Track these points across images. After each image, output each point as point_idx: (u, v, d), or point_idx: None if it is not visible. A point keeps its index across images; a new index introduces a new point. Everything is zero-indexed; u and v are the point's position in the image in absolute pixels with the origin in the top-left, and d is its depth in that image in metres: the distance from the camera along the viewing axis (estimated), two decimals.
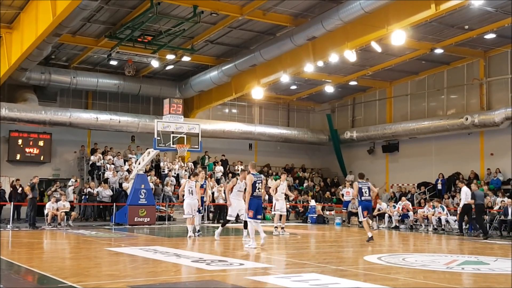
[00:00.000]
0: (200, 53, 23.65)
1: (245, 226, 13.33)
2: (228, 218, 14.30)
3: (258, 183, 12.03)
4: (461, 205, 17.68)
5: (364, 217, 13.97)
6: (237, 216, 14.31)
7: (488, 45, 23.00)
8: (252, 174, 12.12)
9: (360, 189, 13.97)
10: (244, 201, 12.54)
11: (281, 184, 16.78)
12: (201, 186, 15.55)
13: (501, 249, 13.27)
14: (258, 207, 12.00)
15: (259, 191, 12.05)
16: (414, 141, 27.79)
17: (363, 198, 13.99)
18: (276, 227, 16.59)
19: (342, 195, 24.63)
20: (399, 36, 18.23)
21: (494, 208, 20.14)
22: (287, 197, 18.20)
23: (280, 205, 16.56)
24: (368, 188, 14.11)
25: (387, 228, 21.00)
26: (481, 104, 24.77)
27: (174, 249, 11.97)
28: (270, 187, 18.56)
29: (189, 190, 14.93)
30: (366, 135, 29.42)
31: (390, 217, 21.54)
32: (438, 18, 18.79)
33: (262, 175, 12.56)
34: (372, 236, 13.72)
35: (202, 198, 15.82)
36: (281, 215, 16.66)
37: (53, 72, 24.25)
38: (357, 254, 11.15)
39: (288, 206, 19.17)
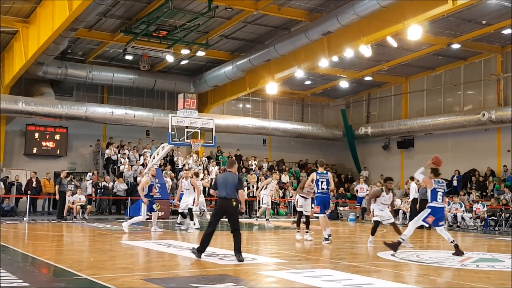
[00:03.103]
0: (215, 48, 23.66)
1: (191, 217, 15.56)
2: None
3: (152, 185, 15.13)
4: (410, 199, 19.41)
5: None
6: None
7: (505, 41, 22.68)
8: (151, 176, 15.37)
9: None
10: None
11: (272, 182, 18.78)
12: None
13: None
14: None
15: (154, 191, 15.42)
16: (429, 137, 27.54)
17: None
18: (267, 219, 18.67)
19: (357, 191, 24.55)
20: (415, 31, 18.05)
21: None
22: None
23: (266, 200, 18.49)
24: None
25: (401, 225, 20.86)
26: (498, 100, 24.47)
27: (188, 243, 12.02)
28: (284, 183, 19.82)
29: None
30: (381, 131, 29.22)
31: (404, 213, 21.39)
32: (455, 13, 18.58)
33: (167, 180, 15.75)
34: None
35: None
36: (266, 208, 18.80)
37: (69, 67, 24.45)
38: (370, 250, 11.10)
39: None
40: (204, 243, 9.15)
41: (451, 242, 10.40)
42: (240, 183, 9.36)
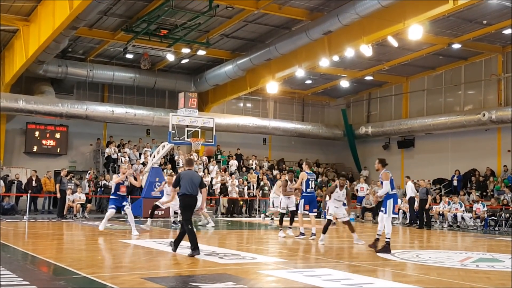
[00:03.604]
0: (215, 47, 23.65)
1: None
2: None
3: (122, 183, 14.18)
4: (407, 198, 19.88)
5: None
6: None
7: (506, 41, 22.67)
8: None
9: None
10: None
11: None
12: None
13: None
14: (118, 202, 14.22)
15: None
16: (430, 137, 27.55)
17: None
18: (272, 219, 19.04)
19: (357, 190, 24.52)
20: (416, 31, 18.05)
21: None
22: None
23: (277, 202, 18.82)
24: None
25: (401, 225, 20.86)
26: (498, 100, 24.47)
27: (188, 242, 12.01)
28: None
29: None
30: (382, 131, 29.22)
31: (404, 213, 21.39)
32: (456, 12, 18.57)
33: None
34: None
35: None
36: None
37: (70, 65, 24.46)
38: (370, 250, 11.10)
39: None
40: (193, 240, 9.38)
41: (378, 233, 10.89)
42: (203, 181, 9.94)
